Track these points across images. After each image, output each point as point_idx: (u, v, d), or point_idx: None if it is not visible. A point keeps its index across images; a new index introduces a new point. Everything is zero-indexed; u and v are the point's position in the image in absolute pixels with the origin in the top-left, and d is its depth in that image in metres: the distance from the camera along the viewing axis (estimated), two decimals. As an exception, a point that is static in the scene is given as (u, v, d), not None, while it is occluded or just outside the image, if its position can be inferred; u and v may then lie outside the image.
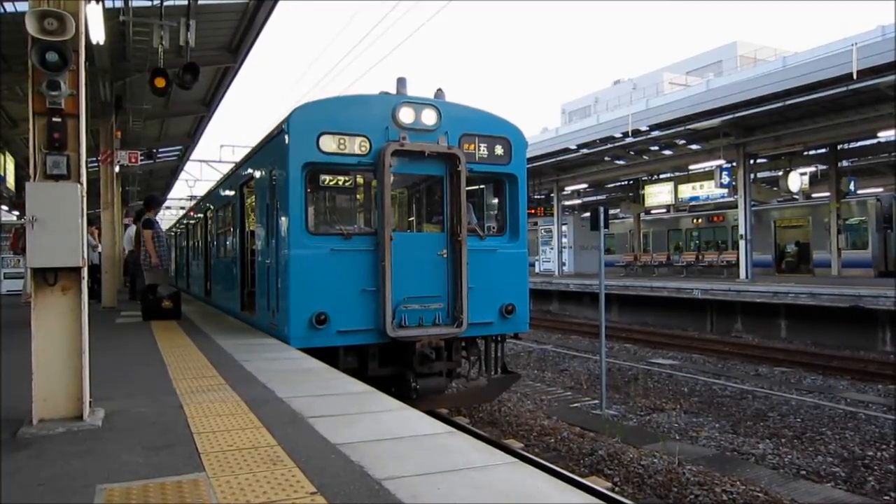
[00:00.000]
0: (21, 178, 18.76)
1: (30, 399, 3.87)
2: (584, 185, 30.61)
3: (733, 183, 21.07)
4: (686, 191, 25.71)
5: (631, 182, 29.73)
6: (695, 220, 30.87)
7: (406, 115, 7.67)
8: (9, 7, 10.19)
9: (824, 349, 15.08)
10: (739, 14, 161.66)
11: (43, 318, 3.92)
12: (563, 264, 29.88)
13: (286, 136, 7.40)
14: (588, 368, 13.36)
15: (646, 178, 28.25)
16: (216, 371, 5.85)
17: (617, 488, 6.58)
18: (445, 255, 7.90)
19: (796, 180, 21.71)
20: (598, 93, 58.80)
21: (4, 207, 22.38)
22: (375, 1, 17.97)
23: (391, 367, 7.77)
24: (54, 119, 3.98)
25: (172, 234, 23.62)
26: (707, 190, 24.16)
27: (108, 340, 8.02)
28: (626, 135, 20.67)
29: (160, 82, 11.06)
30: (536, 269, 30.67)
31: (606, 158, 24.97)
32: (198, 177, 30.38)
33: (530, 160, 15.77)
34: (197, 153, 27.09)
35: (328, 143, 7.40)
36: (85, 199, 4.02)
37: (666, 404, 10.25)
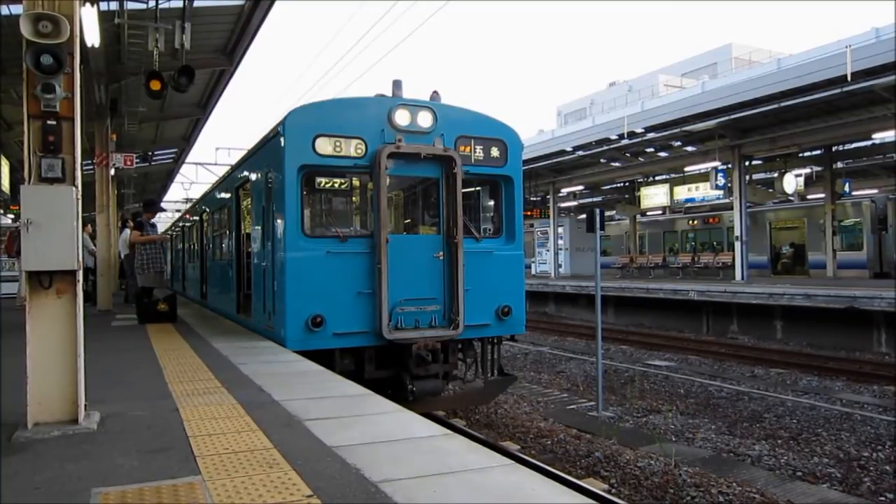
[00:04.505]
0: (16, 181, 18.70)
1: (25, 402, 3.86)
2: (580, 187, 30.67)
3: (729, 184, 21.14)
4: (682, 192, 25.75)
5: (627, 184, 29.79)
6: (690, 222, 30.94)
7: (402, 118, 7.68)
8: (3, 10, 10.16)
9: (820, 350, 15.12)
10: (734, 16, 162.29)
11: (38, 321, 3.91)
12: (560, 266, 29.91)
13: (282, 139, 7.39)
14: (584, 370, 13.36)
15: (642, 179, 28.30)
16: (212, 374, 5.84)
17: (613, 490, 6.59)
18: (442, 258, 7.90)
19: (791, 182, 21.79)
20: (593, 95, 58.96)
21: (-1, 210, 22.32)
22: (372, 2, 17.99)
23: (387, 369, 7.76)
24: (49, 122, 3.97)
25: (168, 236, 23.56)
26: (703, 192, 24.20)
27: (103, 343, 8.00)
28: (621, 137, 20.70)
29: (155, 85, 11.05)
30: (533, 271, 30.69)
31: (602, 160, 25.03)
32: (193, 179, 30.31)
33: (526, 162, 15.76)
34: (192, 156, 27.20)
35: (324, 146, 7.40)
36: (80, 202, 4.01)
37: (662, 406, 10.26)
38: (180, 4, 10.88)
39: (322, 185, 8.49)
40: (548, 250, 30.36)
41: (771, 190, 23.10)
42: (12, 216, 21.80)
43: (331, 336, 7.30)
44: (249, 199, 9.72)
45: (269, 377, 5.58)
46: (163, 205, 36.25)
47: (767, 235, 26.26)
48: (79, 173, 4.05)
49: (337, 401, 4.81)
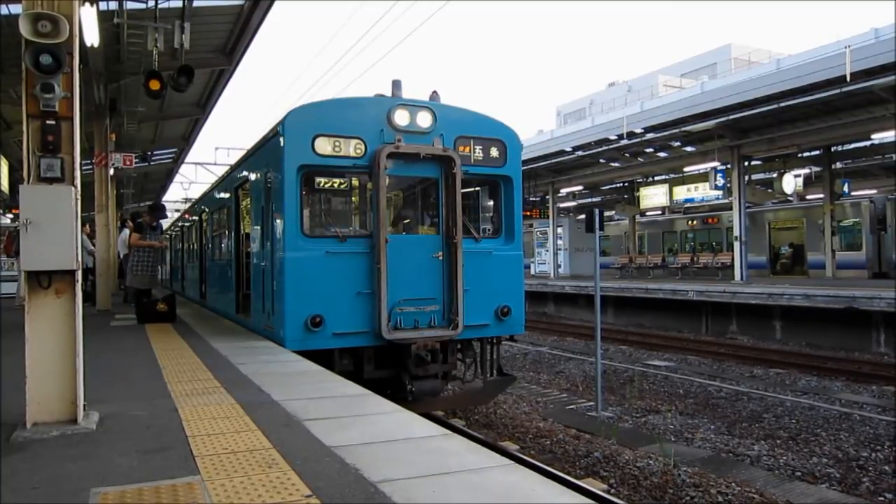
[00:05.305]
0: (15, 181, 18.69)
1: (24, 402, 3.86)
2: (580, 187, 30.67)
3: (728, 185, 21.15)
4: (681, 193, 25.77)
5: (626, 184, 29.80)
6: (690, 222, 30.95)
7: (401, 118, 7.68)
8: (3, 10, 10.15)
9: (819, 350, 15.13)
10: (734, 16, 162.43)
11: (37, 321, 3.91)
12: (559, 266, 29.92)
13: (281, 139, 7.40)
14: (584, 370, 13.36)
15: (641, 180, 28.31)
16: (211, 374, 5.83)
17: (612, 490, 6.59)
18: (441, 258, 7.90)
19: (790, 182, 21.80)
20: (593, 95, 58.98)
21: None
22: (372, 2, 17.99)
23: (387, 369, 7.76)
24: (48, 122, 3.97)
25: (167, 236, 23.55)
26: (702, 192, 24.23)
27: (102, 343, 7.99)
28: (621, 137, 20.70)
29: (155, 85, 11.05)
30: (532, 272, 30.69)
31: (601, 160, 25.02)
32: (193, 179, 30.29)
33: (525, 162, 15.77)
34: (192, 156, 27.18)
35: (323, 146, 7.41)
36: (79, 201, 4.00)
37: (661, 406, 10.27)
38: (180, 4, 10.88)
39: (321, 185, 8.50)
40: (547, 250, 30.36)
41: (770, 190, 23.12)
42: (11, 216, 21.79)
43: (330, 336, 7.30)
44: (249, 199, 9.72)
45: (269, 377, 5.58)
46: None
47: (766, 236, 26.29)
48: (78, 173, 4.05)
49: (336, 401, 4.81)
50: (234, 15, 12.21)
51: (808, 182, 24.45)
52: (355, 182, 8.48)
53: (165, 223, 26.90)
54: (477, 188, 8.91)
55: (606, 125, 22.90)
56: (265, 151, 8.30)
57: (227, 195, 11.24)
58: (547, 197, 29.89)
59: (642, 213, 31.15)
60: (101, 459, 3.39)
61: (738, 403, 10.38)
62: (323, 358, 6.97)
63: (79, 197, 4.01)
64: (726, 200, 22.59)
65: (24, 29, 3.83)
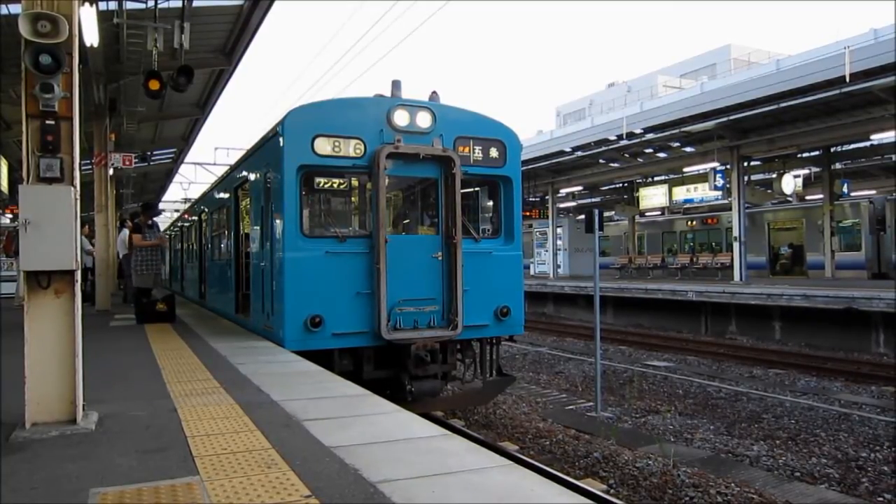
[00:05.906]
0: (15, 180, 18.69)
1: (23, 402, 3.85)
2: (579, 188, 30.68)
3: (727, 185, 21.15)
4: (680, 193, 25.78)
5: (625, 184, 29.81)
6: (689, 223, 30.96)
7: (401, 118, 7.69)
8: (3, 10, 10.15)
9: (818, 351, 15.14)
10: (733, 17, 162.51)
11: (36, 321, 3.90)
12: (558, 266, 29.93)
13: (281, 139, 7.40)
14: (583, 371, 13.37)
15: (640, 180, 28.33)
16: (210, 374, 5.83)
17: (612, 490, 6.59)
18: (440, 258, 7.90)
19: (790, 183, 21.81)
20: (592, 95, 59.01)
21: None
22: (372, 2, 18.00)
23: (386, 369, 7.76)
24: (48, 122, 3.97)
25: (167, 236, 23.54)
26: (701, 192, 24.24)
27: (101, 343, 7.99)
28: (620, 137, 20.71)
29: (154, 85, 11.05)
30: (531, 272, 30.70)
31: (601, 161, 25.03)
32: (192, 179, 30.28)
33: (525, 163, 15.76)
34: (191, 156, 27.16)
35: (323, 146, 7.41)
36: (78, 201, 4.00)
37: (661, 406, 10.27)
38: (179, 4, 10.89)
39: (321, 185, 8.49)
40: (546, 251, 30.38)
41: (769, 191, 23.12)
42: (10, 216, 21.78)
43: (329, 336, 7.30)
44: (248, 200, 9.72)
45: (268, 377, 5.58)
46: (161, 205, 36.31)
47: (766, 236, 26.30)
48: (77, 173, 4.05)
49: (336, 401, 4.81)
50: (233, 15, 12.21)
51: (808, 182, 24.48)
52: (355, 182, 8.48)
53: (164, 223, 26.88)
54: (476, 188, 8.91)
55: (606, 125, 22.90)
56: (265, 151, 8.30)
57: (226, 195, 11.24)
58: (546, 197, 29.90)
59: (642, 214, 31.15)
60: (100, 459, 3.39)
61: (737, 404, 10.38)
62: (322, 358, 6.97)
63: (78, 197, 4.01)
64: (726, 201, 22.59)
65: (24, 29, 3.83)
